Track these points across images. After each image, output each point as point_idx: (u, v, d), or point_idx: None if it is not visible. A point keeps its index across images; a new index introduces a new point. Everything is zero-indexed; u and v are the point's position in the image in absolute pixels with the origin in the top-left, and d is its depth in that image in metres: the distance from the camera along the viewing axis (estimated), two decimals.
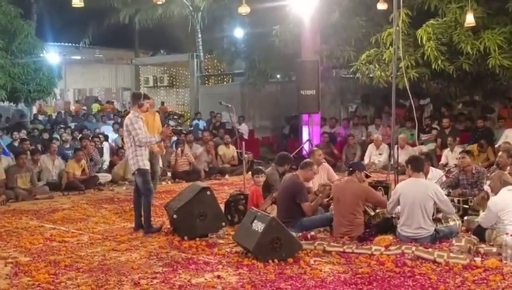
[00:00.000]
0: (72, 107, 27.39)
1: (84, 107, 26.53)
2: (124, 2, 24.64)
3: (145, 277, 5.76)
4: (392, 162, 9.40)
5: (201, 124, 19.25)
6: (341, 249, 6.54)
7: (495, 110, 15.75)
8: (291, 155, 10.86)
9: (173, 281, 5.59)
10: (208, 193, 7.49)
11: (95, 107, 26.01)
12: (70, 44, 28.84)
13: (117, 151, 14.21)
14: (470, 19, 11.49)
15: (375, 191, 7.68)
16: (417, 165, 7.08)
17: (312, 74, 13.97)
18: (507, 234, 6.03)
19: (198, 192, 7.48)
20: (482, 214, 6.95)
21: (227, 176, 13.76)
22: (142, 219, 7.83)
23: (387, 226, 7.14)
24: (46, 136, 15.96)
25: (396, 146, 9.89)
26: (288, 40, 15.47)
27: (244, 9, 12.27)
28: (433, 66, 12.68)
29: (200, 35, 24.03)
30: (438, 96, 16.20)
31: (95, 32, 27.04)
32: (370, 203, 7.32)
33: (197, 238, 7.18)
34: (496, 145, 12.75)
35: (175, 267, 6.08)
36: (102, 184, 12.55)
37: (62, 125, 18.06)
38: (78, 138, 14.90)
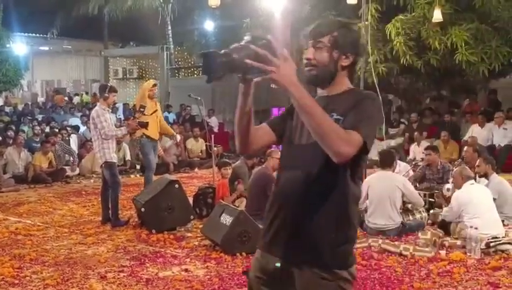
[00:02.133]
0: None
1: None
2: None
3: (111, 270, 5.72)
4: None
5: (171, 116, 19.15)
6: None
7: (461, 105, 15.99)
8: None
9: (140, 275, 5.56)
10: (176, 186, 7.47)
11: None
12: (37, 35, 28.36)
13: (85, 144, 14.06)
14: (437, 15, 11.62)
15: None
16: (386, 160, 7.15)
17: None
18: (471, 227, 6.13)
19: (166, 185, 7.45)
20: (445, 208, 7.05)
21: (196, 169, 13.73)
22: (110, 212, 7.77)
23: None
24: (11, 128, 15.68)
25: None
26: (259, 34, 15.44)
27: (214, 2, 12.17)
28: (401, 61, 12.79)
29: (170, 28, 23.89)
30: (406, 91, 16.35)
31: (64, 23, 26.62)
32: None
33: (165, 232, 7.16)
34: (463, 140, 12.94)
35: (142, 260, 6.05)
36: (70, 177, 12.41)
37: (29, 117, 17.79)
38: (45, 130, 14.70)
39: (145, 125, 7.12)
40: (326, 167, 2.25)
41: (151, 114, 8.49)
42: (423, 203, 7.33)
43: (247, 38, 2.22)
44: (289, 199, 2.39)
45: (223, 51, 2.11)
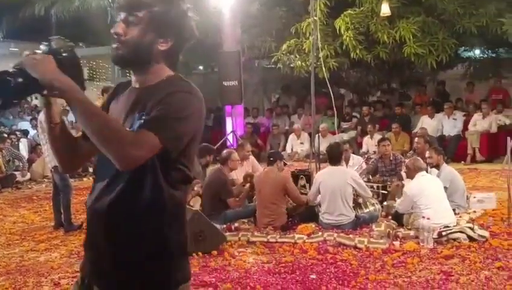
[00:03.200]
0: None
1: None
2: None
3: (65, 276, 5.61)
4: (313, 151, 9.51)
5: None
6: (265, 239, 6.58)
7: (411, 97, 16.26)
8: (215, 147, 10.84)
9: None
10: None
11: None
12: None
13: (35, 148, 13.76)
14: (385, 9, 11.78)
15: (293, 184, 7.71)
16: (332, 157, 7.19)
17: (234, 65, 13.89)
18: (423, 217, 6.24)
19: None
20: (398, 200, 7.16)
21: None
22: (62, 216, 7.62)
23: (310, 214, 7.23)
24: None
25: (317, 135, 10.05)
26: (209, 31, 15.36)
27: None
28: (351, 56, 12.93)
29: None
30: (357, 85, 16.54)
31: (10, 25, 25.94)
32: (287, 193, 7.31)
33: None
34: (413, 131, 13.15)
35: None
36: (21, 182, 12.14)
37: None
38: None
39: None
40: (131, 175, 1.95)
41: None
42: (371, 194, 7.40)
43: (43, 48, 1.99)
44: (93, 214, 2.10)
45: (13, 69, 1.85)
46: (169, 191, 2.01)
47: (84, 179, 12.62)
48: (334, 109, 10.61)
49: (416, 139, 9.30)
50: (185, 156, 2.03)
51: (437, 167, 7.60)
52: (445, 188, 7.07)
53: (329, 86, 9.18)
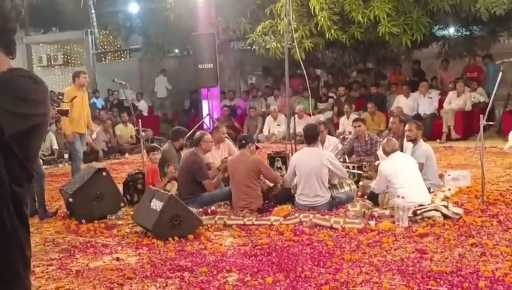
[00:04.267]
0: None
1: None
2: None
3: (40, 264, 5.57)
4: (289, 133, 9.50)
5: (99, 102, 18.75)
6: (241, 222, 6.58)
7: (387, 77, 16.31)
8: (192, 130, 10.81)
9: (70, 267, 5.44)
10: (104, 173, 7.33)
11: None
12: None
13: None
14: None
15: (266, 164, 7.72)
16: (309, 136, 7.19)
17: (209, 48, 13.82)
18: (398, 196, 6.27)
19: (93, 173, 7.30)
20: (374, 181, 7.18)
21: (126, 155, 13.52)
22: (36, 204, 7.54)
23: (286, 196, 7.25)
24: None
25: (293, 116, 10.04)
26: (183, 14, 15.24)
27: None
28: (326, 36, 12.88)
29: (93, 11, 23.25)
30: (333, 66, 16.53)
31: None
32: (262, 175, 7.32)
33: (95, 221, 7.02)
34: (389, 110, 13.20)
35: (72, 252, 5.92)
36: None
37: None
38: None
39: (65, 113, 6.91)
40: None
41: (71, 101, 8.29)
42: (347, 175, 7.44)
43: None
44: None
45: None
46: (10, 186, 1.81)
47: (60, 165, 12.51)
48: (309, 90, 10.57)
49: (391, 119, 9.32)
50: (25, 149, 1.83)
51: (414, 141, 7.64)
52: (422, 164, 7.12)
53: (303, 67, 9.15)
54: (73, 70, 25.36)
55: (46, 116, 1.90)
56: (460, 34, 15.51)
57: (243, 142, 7.42)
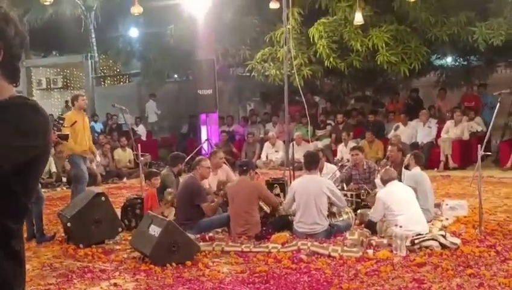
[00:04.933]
0: None
1: None
2: (11, 1, 23.39)
3: (37, 289, 5.54)
4: (288, 159, 9.53)
5: (98, 126, 18.80)
6: (239, 249, 6.57)
7: (385, 105, 16.41)
8: (190, 155, 10.84)
9: None
10: (103, 198, 7.33)
11: None
12: None
13: None
14: (358, 17, 11.90)
15: (267, 189, 7.75)
16: (310, 163, 7.22)
17: (208, 73, 13.94)
18: (396, 225, 6.28)
19: (92, 198, 7.30)
20: (372, 209, 7.19)
21: (124, 179, 13.52)
22: (34, 227, 7.52)
23: (284, 223, 7.24)
24: None
25: (292, 143, 10.08)
26: (183, 39, 15.38)
27: (136, 10, 12.03)
28: (325, 64, 13.02)
29: (93, 35, 23.43)
30: (331, 93, 16.65)
31: None
32: (263, 201, 7.35)
33: (93, 246, 7.00)
34: (389, 136, 13.25)
35: (70, 277, 5.89)
36: None
37: None
38: None
39: (65, 137, 6.94)
40: None
41: (72, 126, 8.34)
42: (346, 204, 7.44)
43: None
44: None
45: None
46: (1, 220, 1.76)
47: (58, 189, 12.49)
48: (307, 117, 10.64)
49: (389, 147, 9.36)
50: (23, 182, 1.78)
51: (408, 166, 7.71)
52: (413, 188, 7.11)
53: (302, 94, 9.22)
54: (72, 94, 25.55)
55: (46, 147, 1.84)
56: (458, 63, 15.69)
57: (244, 168, 7.44)
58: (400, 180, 7.52)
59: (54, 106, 25.11)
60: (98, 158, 10.17)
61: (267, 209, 7.47)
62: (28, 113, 1.78)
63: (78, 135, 8.79)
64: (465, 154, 12.72)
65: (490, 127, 7.41)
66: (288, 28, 9.45)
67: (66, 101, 24.46)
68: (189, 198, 7.39)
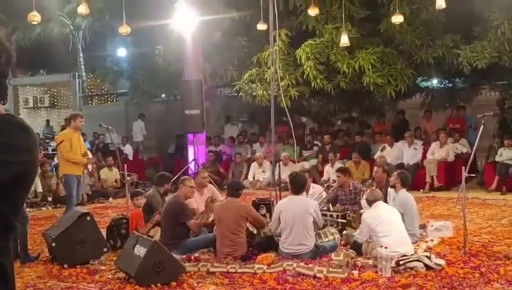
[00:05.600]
0: None
1: None
2: None
3: None
4: (274, 180, 9.55)
5: (85, 145, 18.72)
6: (225, 270, 6.55)
7: (371, 126, 16.51)
8: (178, 175, 10.83)
9: None
10: (88, 218, 7.30)
11: None
12: None
13: None
14: (344, 40, 12.02)
15: (254, 210, 7.74)
16: (297, 186, 7.22)
17: (196, 93, 13.99)
18: (381, 246, 6.30)
19: (77, 218, 7.26)
20: (357, 230, 7.21)
21: (110, 199, 13.46)
22: (18, 248, 7.46)
23: (270, 244, 7.24)
24: None
25: (278, 163, 10.10)
26: (171, 60, 15.45)
27: (124, 30, 12.07)
28: (312, 85, 13.11)
29: (81, 55, 23.48)
30: (318, 114, 16.73)
31: None
32: (251, 222, 7.35)
33: (78, 266, 6.95)
34: (375, 157, 13.32)
35: None
36: None
37: None
38: None
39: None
40: None
41: (60, 143, 8.37)
42: (321, 227, 7.42)
43: None
44: None
45: None
46: None
47: (43, 208, 12.41)
48: (294, 137, 10.69)
49: (375, 168, 9.41)
50: (7, 200, 1.74)
51: (394, 187, 7.74)
52: (401, 213, 7.15)
53: (288, 115, 9.27)
54: (59, 113, 25.40)
55: (31, 164, 1.80)
56: (443, 85, 15.85)
57: (239, 191, 7.45)
58: (386, 201, 7.56)
59: (40, 125, 25.02)
60: (90, 167, 10.12)
61: (253, 229, 7.47)
62: (14, 130, 1.76)
63: (74, 154, 8.83)
64: (450, 175, 12.81)
65: (474, 148, 7.49)
66: (276, 49, 9.53)
67: (47, 120, 24.42)
68: (174, 217, 7.37)
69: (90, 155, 9.44)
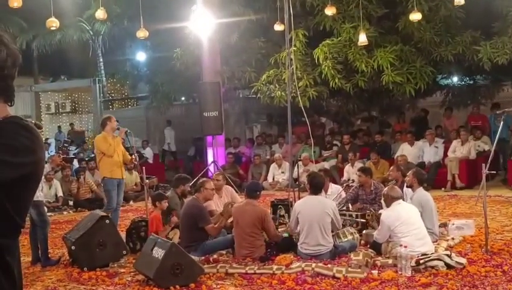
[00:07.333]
0: None
1: None
2: (20, 28, 23.84)
3: None
4: (293, 180, 9.52)
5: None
6: (243, 271, 6.53)
7: (391, 125, 16.38)
8: (197, 177, 10.84)
9: None
10: (107, 221, 7.32)
11: None
12: None
13: None
14: (362, 38, 11.94)
15: (271, 219, 7.61)
16: (316, 184, 7.17)
17: (214, 96, 14.01)
18: (401, 245, 6.23)
19: (97, 221, 7.29)
20: (377, 230, 7.13)
21: (131, 202, 13.51)
22: (39, 251, 7.52)
23: (288, 245, 7.20)
24: None
25: (297, 164, 10.05)
26: (189, 63, 15.48)
27: (142, 34, 12.12)
28: (330, 84, 13.04)
29: (101, 60, 23.66)
30: (337, 113, 16.66)
31: None
32: (263, 228, 7.20)
33: (97, 269, 6.97)
34: (395, 157, 13.21)
35: None
36: None
37: None
38: None
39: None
40: None
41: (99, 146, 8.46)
42: (341, 227, 7.33)
43: None
44: None
45: None
46: None
47: (64, 213, 12.51)
48: (311, 137, 10.63)
49: (391, 167, 9.35)
50: (14, 200, 1.79)
51: (411, 187, 7.63)
52: (420, 213, 7.06)
53: (305, 115, 9.23)
54: (80, 118, 25.60)
55: (37, 165, 1.84)
56: (464, 83, 15.67)
57: (257, 193, 7.41)
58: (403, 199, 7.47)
59: (63, 130, 25.25)
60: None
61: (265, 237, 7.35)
62: (19, 131, 1.79)
63: (113, 158, 8.81)
64: (472, 173, 12.65)
65: (494, 145, 7.39)
66: (293, 50, 9.49)
67: (71, 124, 24.65)
68: (192, 220, 7.37)
69: (128, 157, 9.32)
